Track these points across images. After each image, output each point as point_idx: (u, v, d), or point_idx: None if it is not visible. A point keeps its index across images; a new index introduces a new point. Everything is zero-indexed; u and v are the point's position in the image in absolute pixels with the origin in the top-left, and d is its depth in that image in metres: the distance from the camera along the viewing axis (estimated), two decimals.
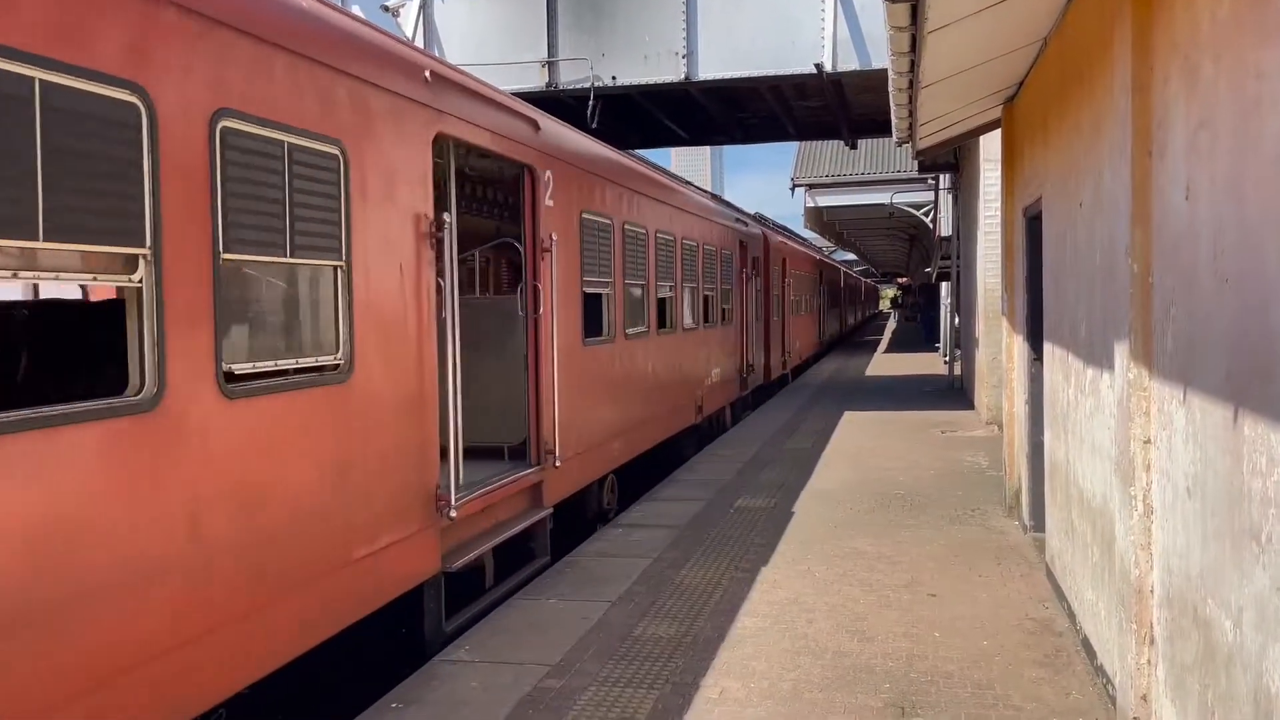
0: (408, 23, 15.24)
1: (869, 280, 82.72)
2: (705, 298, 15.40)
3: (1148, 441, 4.38)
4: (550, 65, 15.20)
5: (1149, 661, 4.36)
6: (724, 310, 16.85)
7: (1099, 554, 5.46)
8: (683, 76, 14.98)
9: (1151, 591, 4.36)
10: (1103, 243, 5.23)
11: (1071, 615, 6.46)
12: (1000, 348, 11.28)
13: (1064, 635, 6.33)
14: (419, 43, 15.38)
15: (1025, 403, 8.90)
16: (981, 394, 16.65)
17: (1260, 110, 3.08)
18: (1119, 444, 4.70)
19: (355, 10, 14.91)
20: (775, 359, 22.60)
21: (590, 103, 15.11)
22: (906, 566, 7.97)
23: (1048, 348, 7.56)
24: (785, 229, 38.68)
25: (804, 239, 43.49)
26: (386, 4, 14.99)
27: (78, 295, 7.34)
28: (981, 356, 16.52)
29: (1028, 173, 8.48)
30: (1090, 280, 5.65)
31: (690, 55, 14.88)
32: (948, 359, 25.14)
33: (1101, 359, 5.33)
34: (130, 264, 4.07)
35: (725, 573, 7.92)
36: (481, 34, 15.46)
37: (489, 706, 5.42)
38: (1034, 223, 8.19)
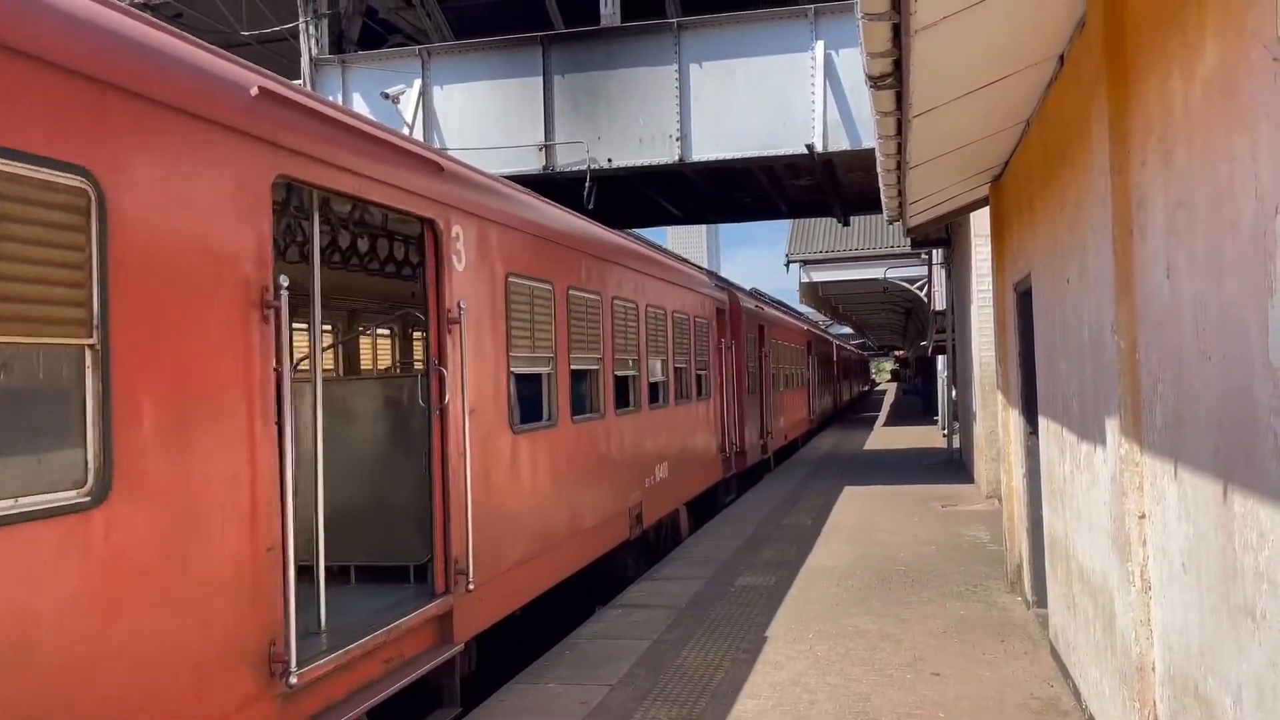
0: (407, 109, 15.61)
1: (865, 354, 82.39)
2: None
3: (1142, 516, 4.39)
4: (547, 149, 15.52)
5: None
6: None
7: (1100, 631, 5.43)
8: (677, 158, 15.30)
9: (1153, 669, 4.32)
10: (1090, 319, 5.31)
11: (1076, 694, 6.38)
12: (997, 421, 11.30)
13: (1070, 715, 6.24)
14: (418, 127, 15.72)
15: (1023, 477, 8.91)
16: (981, 467, 16.61)
17: (1234, 191, 3.17)
18: (1114, 519, 4.71)
19: (362, 109, 15.23)
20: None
21: (586, 184, 15.40)
22: (909, 645, 7.88)
23: (1043, 422, 7.60)
24: (781, 303, 38.98)
25: (800, 313, 43.82)
26: (387, 91, 15.36)
27: None
28: (979, 430, 16.53)
29: (1016, 250, 8.62)
30: (1080, 356, 5.72)
31: (684, 138, 15.22)
32: (946, 432, 25.13)
33: (1094, 434, 5.37)
34: None
35: (726, 654, 7.83)
36: (480, 119, 15.83)
37: None
38: (1024, 298, 8.30)
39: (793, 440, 27.40)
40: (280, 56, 16.84)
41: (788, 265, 32.00)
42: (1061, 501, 6.76)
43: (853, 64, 14.39)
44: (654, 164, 15.51)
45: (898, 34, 4.63)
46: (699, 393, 14.90)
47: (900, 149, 6.85)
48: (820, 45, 14.71)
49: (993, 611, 8.88)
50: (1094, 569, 5.59)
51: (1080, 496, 5.97)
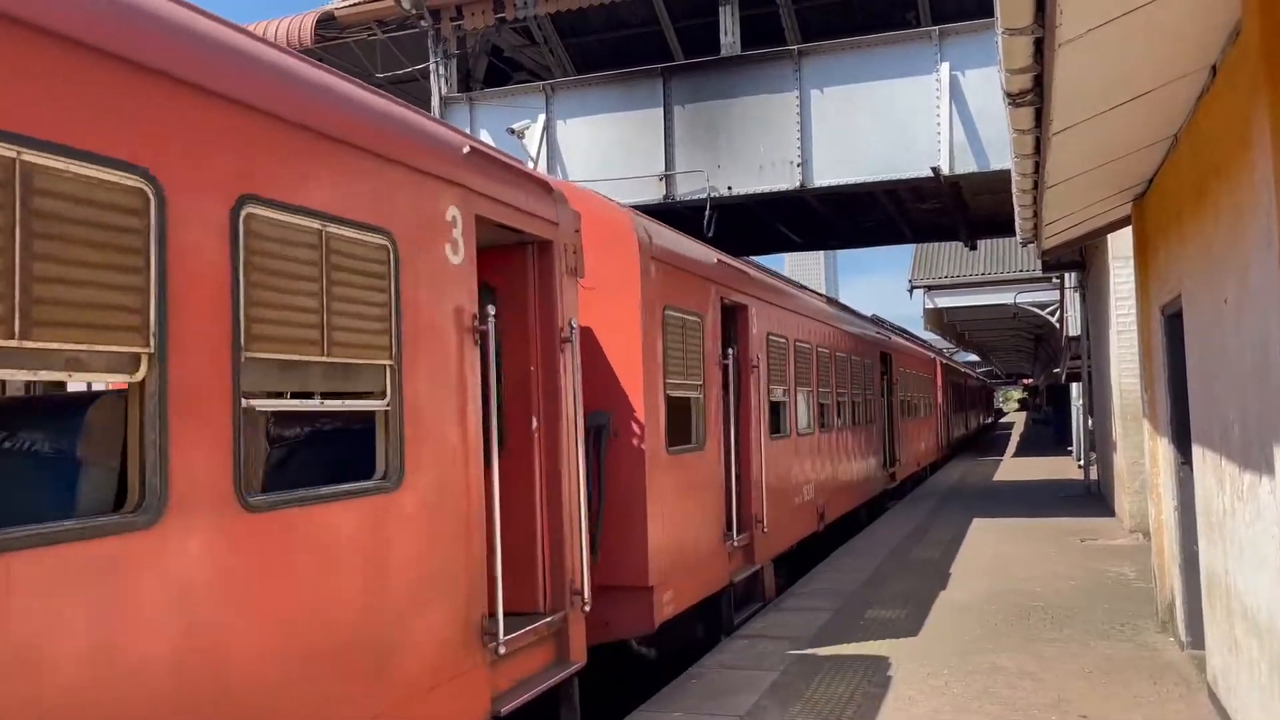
0: (532, 143, 15.99)
1: (988, 381, 78.71)
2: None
3: None
4: (668, 179, 15.65)
5: None
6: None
7: (1267, 674, 5.06)
8: (798, 184, 15.20)
9: None
10: (1252, 340, 5.00)
11: None
12: (1142, 451, 10.75)
13: None
14: (542, 161, 16.09)
15: (1174, 509, 8.43)
16: (1123, 500, 15.81)
17: None
18: None
19: (488, 143, 15.66)
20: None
21: (706, 213, 15.44)
22: (1052, 684, 7.53)
23: (1196, 451, 7.19)
24: (904, 331, 38.19)
25: (923, 340, 42.83)
26: (513, 127, 15.78)
27: None
28: (1121, 460, 15.75)
29: (1163, 270, 8.22)
30: (1241, 379, 5.39)
31: (805, 164, 15.11)
32: (1083, 463, 24.06)
33: (1259, 463, 5.04)
34: None
35: (857, 688, 7.63)
36: (602, 151, 16.08)
37: None
38: (1172, 321, 7.89)
39: (834, 522, 14.99)
40: (412, 96, 17.53)
41: (911, 291, 31.34)
42: (1220, 535, 6.36)
43: (979, 84, 14.05)
44: (774, 190, 15.43)
45: (1038, 49, 4.49)
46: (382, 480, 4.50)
47: (1038, 168, 6.63)
48: (945, 67, 14.42)
49: (1143, 652, 8.41)
50: (1260, 608, 5.23)
51: (1243, 530, 5.61)
